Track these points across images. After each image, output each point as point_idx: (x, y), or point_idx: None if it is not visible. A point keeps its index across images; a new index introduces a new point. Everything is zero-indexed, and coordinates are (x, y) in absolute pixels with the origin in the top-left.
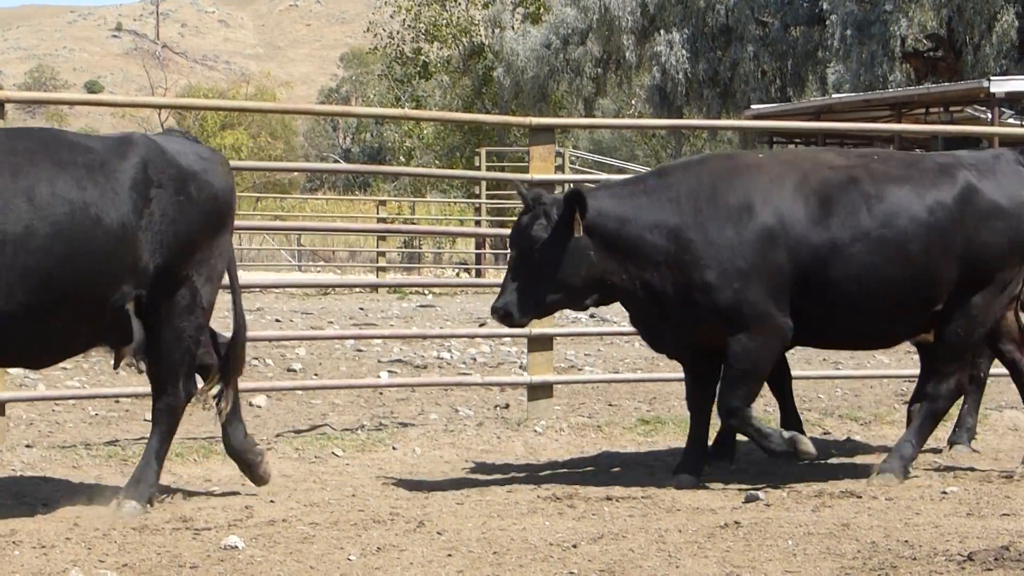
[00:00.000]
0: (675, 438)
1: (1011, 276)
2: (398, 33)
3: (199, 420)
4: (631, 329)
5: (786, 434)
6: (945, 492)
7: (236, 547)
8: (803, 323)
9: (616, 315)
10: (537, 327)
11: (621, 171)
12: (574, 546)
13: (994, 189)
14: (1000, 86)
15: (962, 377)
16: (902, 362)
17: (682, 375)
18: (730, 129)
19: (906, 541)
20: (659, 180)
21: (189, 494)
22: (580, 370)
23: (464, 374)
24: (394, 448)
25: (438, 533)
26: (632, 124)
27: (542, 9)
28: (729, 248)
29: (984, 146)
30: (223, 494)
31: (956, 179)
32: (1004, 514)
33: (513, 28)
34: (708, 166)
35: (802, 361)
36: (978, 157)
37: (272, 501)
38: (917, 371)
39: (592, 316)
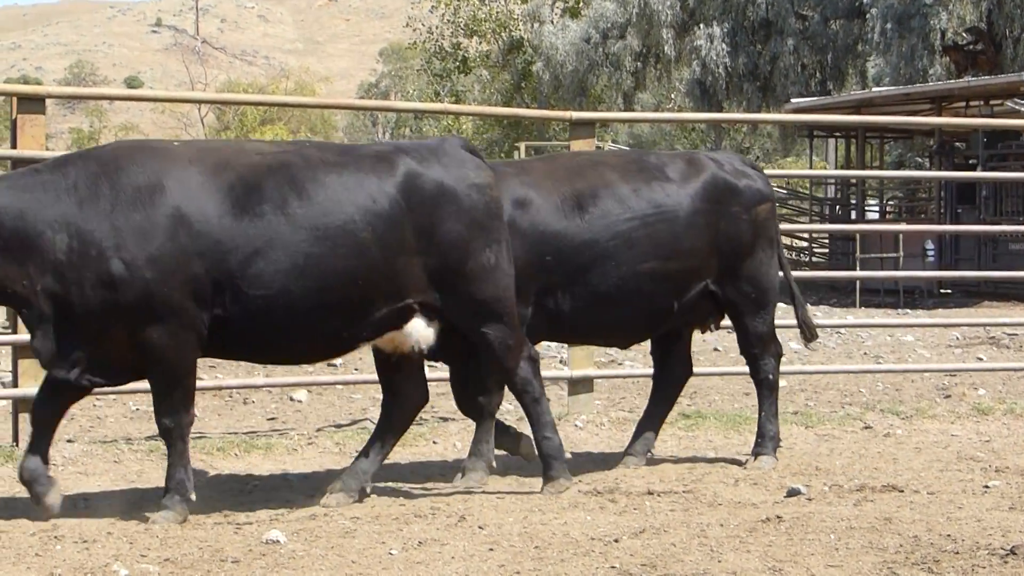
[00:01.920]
0: (716, 432)
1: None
2: (437, 28)
3: (240, 415)
4: None
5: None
6: (987, 486)
7: (278, 541)
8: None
9: None
10: None
11: None
12: (616, 540)
13: (441, 174)
14: None
15: None
16: (943, 356)
17: (726, 369)
18: (770, 123)
19: (948, 535)
20: (56, 169)
21: (231, 489)
22: (621, 364)
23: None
24: (435, 442)
25: (479, 527)
26: (672, 118)
27: (581, 3)
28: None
29: None
30: (265, 488)
31: (396, 166)
32: None
33: (552, 22)
34: (109, 150)
35: (843, 356)
36: (419, 144)
37: (313, 495)
38: (959, 365)
39: None
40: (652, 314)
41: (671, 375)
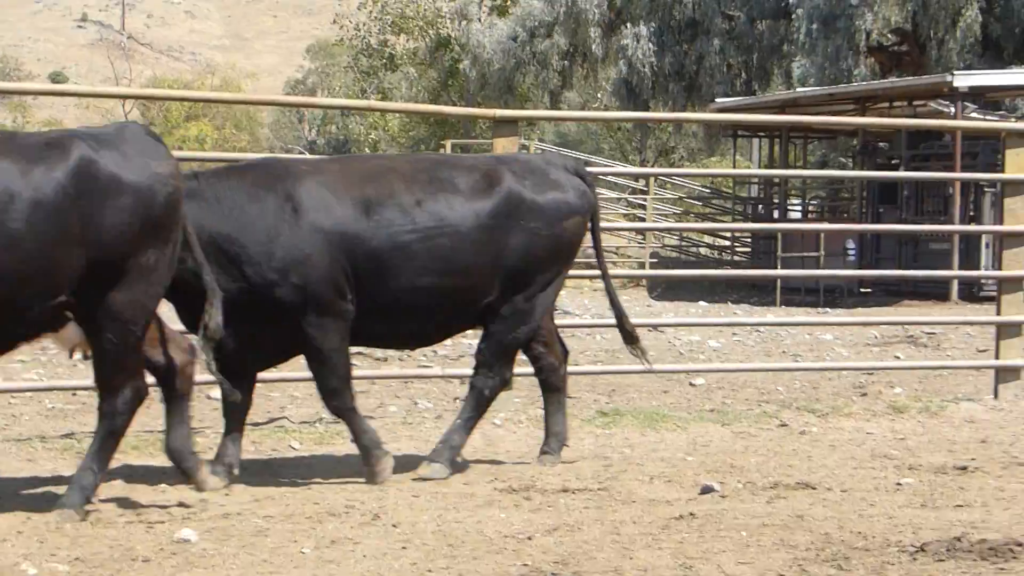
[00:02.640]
0: (632, 430)
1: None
2: (364, 25)
3: (156, 413)
4: (592, 321)
5: None
6: (900, 484)
7: (189, 540)
8: None
9: (577, 308)
10: None
11: (587, 164)
12: (529, 538)
13: (118, 162)
14: (963, 80)
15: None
16: (861, 355)
17: (647, 368)
18: (694, 122)
19: (860, 532)
20: None
21: (143, 487)
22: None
23: (424, 367)
24: (352, 441)
25: (393, 526)
26: (596, 116)
27: (509, 2)
28: None
29: (947, 140)
30: (178, 487)
31: (69, 152)
32: (958, 505)
33: (480, 20)
34: None
35: (762, 354)
36: (97, 130)
37: (227, 494)
38: (876, 363)
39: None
40: (437, 325)
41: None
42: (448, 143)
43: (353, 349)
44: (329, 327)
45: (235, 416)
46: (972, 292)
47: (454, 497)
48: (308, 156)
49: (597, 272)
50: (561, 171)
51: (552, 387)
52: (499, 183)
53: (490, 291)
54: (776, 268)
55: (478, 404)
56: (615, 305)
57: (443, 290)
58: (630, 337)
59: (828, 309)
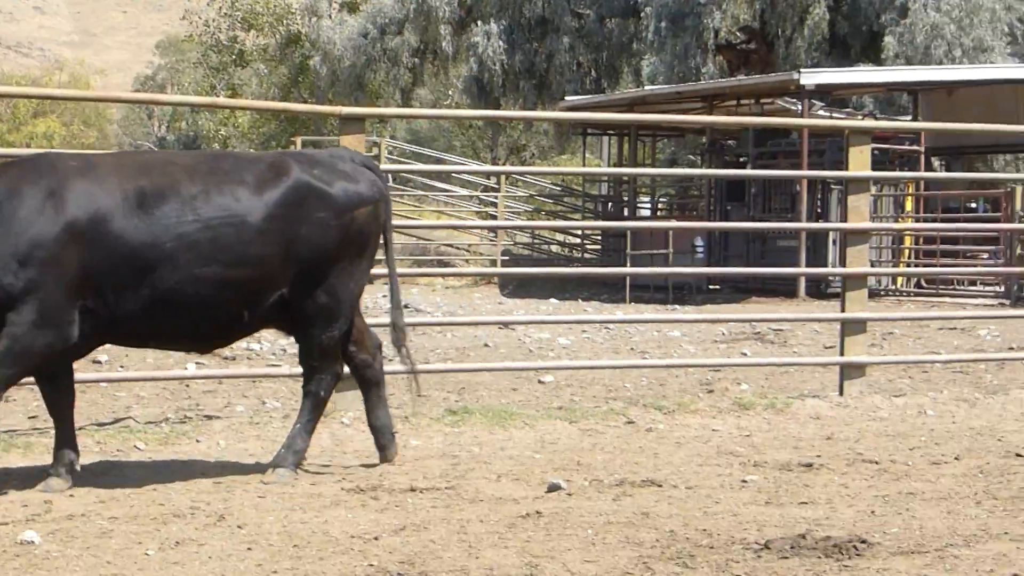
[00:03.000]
0: (481, 428)
1: None
2: (214, 21)
3: (0, 412)
4: (445, 320)
5: None
6: (745, 481)
7: (32, 542)
8: None
9: (429, 305)
10: None
11: (439, 161)
12: (375, 538)
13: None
14: (810, 78)
15: None
16: (708, 351)
17: (495, 365)
18: (545, 120)
19: (704, 530)
20: None
21: None
22: (391, 360)
23: (273, 365)
24: (198, 441)
25: (239, 527)
26: (444, 115)
27: None
28: None
29: (794, 138)
30: (21, 488)
31: (288, 173)
32: (802, 502)
33: (330, 17)
34: None
35: (610, 351)
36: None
37: (72, 495)
38: (723, 360)
39: (406, 306)
40: (220, 322)
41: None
42: (299, 140)
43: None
44: (37, 326)
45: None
46: (819, 289)
47: (300, 497)
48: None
49: (450, 270)
50: (349, 163)
51: (370, 382)
52: (286, 173)
53: (281, 284)
54: (626, 266)
55: (315, 406)
56: (395, 302)
57: (229, 283)
58: (399, 338)
59: (677, 306)
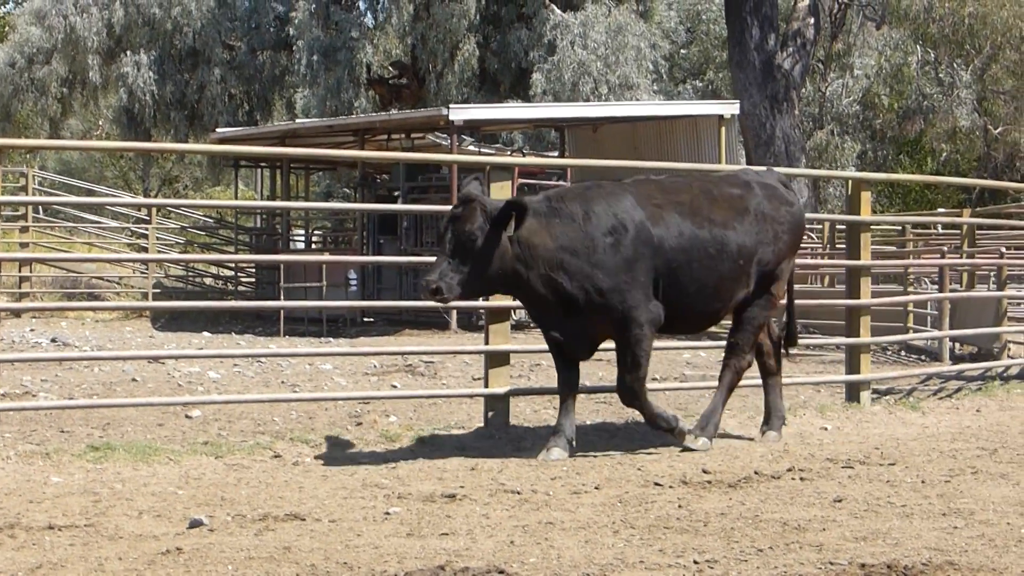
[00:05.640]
0: (125, 464)
1: None
2: None
3: None
4: (91, 354)
5: None
6: (388, 513)
7: None
8: None
9: (78, 339)
10: None
11: (90, 192)
12: None
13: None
14: (459, 114)
15: None
16: (360, 384)
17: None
18: (196, 152)
19: (345, 563)
20: None
21: None
22: (35, 396)
23: None
24: None
25: None
26: (89, 147)
27: (7, 28)
28: None
29: (444, 172)
30: None
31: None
32: (443, 534)
33: None
34: None
35: (261, 384)
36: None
37: None
38: (372, 392)
39: (54, 341)
40: None
41: None
42: None
43: None
44: None
45: None
46: (471, 321)
47: None
48: None
49: (100, 304)
50: None
51: None
52: None
53: None
54: (279, 298)
55: None
56: None
57: None
58: None
59: (331, 339)
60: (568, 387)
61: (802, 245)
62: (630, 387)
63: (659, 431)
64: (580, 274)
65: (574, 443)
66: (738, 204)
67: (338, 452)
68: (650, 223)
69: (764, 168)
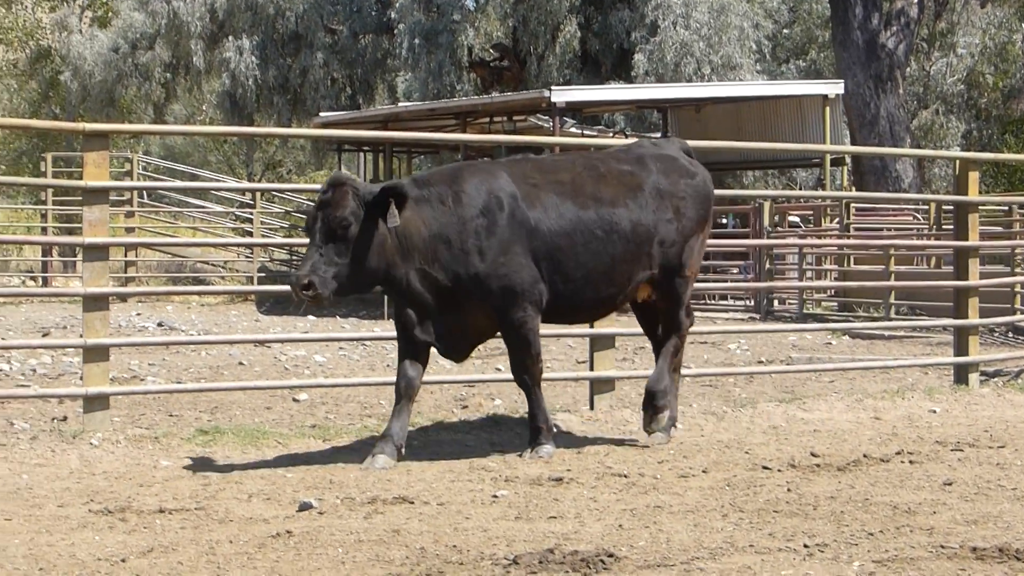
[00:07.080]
0: (234, 448)
1: None
2: None
3: None
4: (199, 338)
5: None
6: (496, 496)
7: None
8: None
9: (184, 323)
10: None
11: (194, 177)
12: (122, 560)
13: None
14: (561, 96)
15: None
16: (464, 367)
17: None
18: (301, 137)
19: (454, 546)
20: None
21: None
22: (143, 380)
23: (23, 386)
24: None
25: None
26: (193, 131)
27: (110, 13)
28: None
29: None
30: None
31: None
32: (551, 517)
33: (81, 32)
34: None
35: (367, 368)
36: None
37: None
38: (477, 376)
39: (160, 325)
40: None
41: None
42: (49, 156)
43: None
44: None
45: None
46: None
47: (47, 520)
48: None
49: (206, 288)
50: None
51: None
52: None
53: None
54: None
55: None
56: None
57: None
58: None
59: None
60: (410, 387)
61: (908, 226)
62: (522, 363)
63: (533, 425)
64: (455, 262)
65: (403, 450)
66: (629, 180)
67: (444, 435)
68: (525, 204)
69: (663, 138)
